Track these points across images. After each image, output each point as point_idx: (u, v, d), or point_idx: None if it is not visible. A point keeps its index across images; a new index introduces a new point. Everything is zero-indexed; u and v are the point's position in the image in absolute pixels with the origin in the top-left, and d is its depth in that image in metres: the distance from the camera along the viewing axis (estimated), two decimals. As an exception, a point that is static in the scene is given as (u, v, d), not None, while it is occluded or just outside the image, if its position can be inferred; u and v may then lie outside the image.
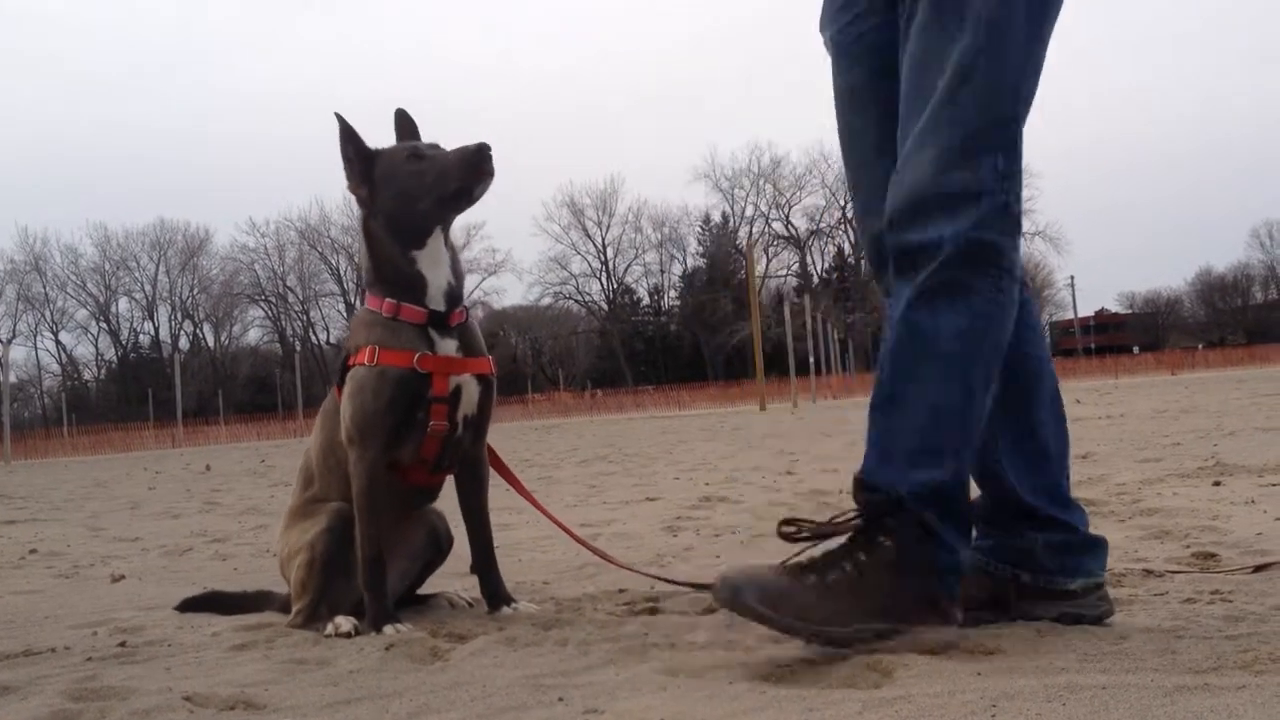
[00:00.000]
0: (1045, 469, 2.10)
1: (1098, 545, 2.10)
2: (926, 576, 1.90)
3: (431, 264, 2.52)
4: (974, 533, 2.12)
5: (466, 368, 2.53)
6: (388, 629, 2.37)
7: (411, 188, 2.47)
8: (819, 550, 1.94)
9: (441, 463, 2.60)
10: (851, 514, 1.94)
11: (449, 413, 2.51)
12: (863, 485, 1.95)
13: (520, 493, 2.76)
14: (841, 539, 1.93)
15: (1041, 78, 1.98)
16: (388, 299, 2.51)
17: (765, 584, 1.87)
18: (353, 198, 2.58)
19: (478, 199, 2.50)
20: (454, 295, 2.55)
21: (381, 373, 2.46)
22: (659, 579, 2.75)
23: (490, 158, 2.45)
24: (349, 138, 2.52)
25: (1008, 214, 1.91)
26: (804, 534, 1.94)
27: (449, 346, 2.52)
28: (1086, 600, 2.03)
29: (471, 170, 2.45)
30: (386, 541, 2.53)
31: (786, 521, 1.97)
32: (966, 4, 1.91)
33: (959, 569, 1.94)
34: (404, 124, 2.65)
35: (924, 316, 1.93)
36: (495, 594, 2.63)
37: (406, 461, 2.55)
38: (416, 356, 2.46)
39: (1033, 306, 2.17)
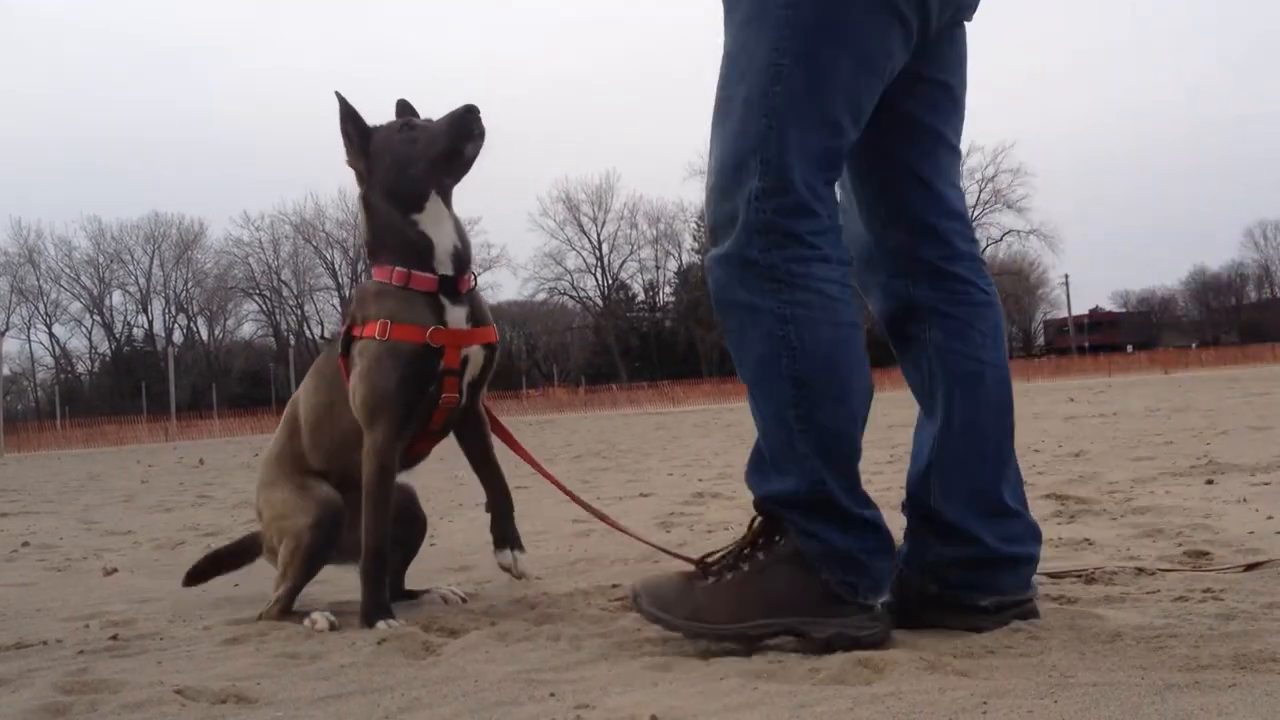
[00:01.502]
0: (971, 478, 2.08)
1: (1017, 564, 2.06)
2: (817, 569, 1.92)
3: (434, 225, 2.52)
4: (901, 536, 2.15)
5: (475, 339, 2.53)
6: (380, 624, 2.36)
7: (404, 154, 2.50)
8: (726, 555, 2.05)
9: (445, 429, 2.62)
10: (755, 521, 2.03)
11: (458, 383, 2.52)
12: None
13: (520, 454, 2.69)
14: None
15: (840, 100, 1.96)
16: (397, 267, 2.50)
17: (660, 589, 2.01)
18: (352, 175, 2.60)
19: (471, 160, 2.52)
20: (461, 258, 2.55)
21: (394, 349, 2.44)
22: (658, 548, 2.64)
23: (478, 118, 2.49)
24: (348, 115, 2.56)
25: (764, 229, 1.94)
26: (721, 556, 2.05)
27: (459, 315, 2.51)
28: (998, 617, 2.00)
29: (460, 130, 2.48)
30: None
31: (704, 558, 2.08)
32: (729, 32, 2.02)
33: (853, 561, 1.92)
34: (404, 112, 2.67)
35: (730, 341, 2.03)
36: (505, 535, 2.65)
37: (416, 431, 2.55)
38: (429, 331, 2.45)
39: (985, 310, 2.16)
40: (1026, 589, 2.07)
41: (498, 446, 2.72)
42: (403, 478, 2.68)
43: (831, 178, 2.01)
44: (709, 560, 2.06)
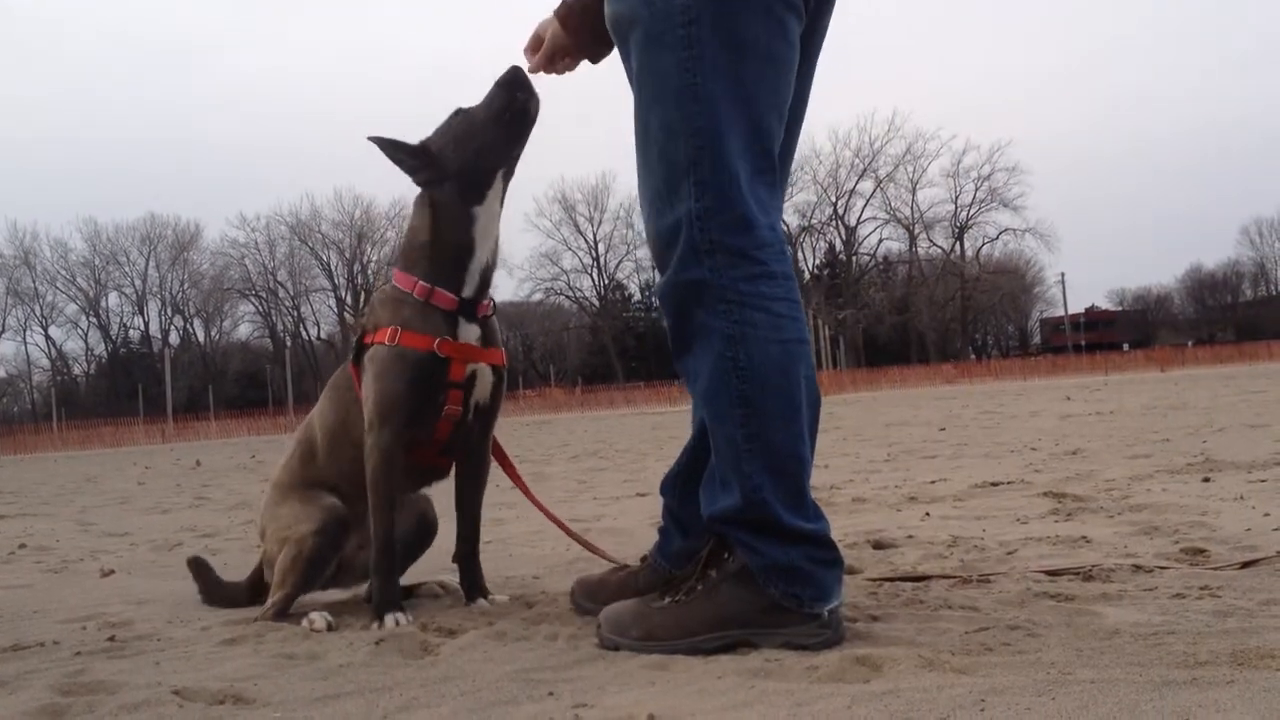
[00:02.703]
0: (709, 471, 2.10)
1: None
2: (762, 583, 1.96)
3: (483, 231, 2.53)
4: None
5: (482, 357, 2.56)
6: (389, 617, 2.39)
7: (464, 132, 2.50)
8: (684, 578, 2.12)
9: (450, 446, 2.62)
10: (707, 542, 2.09)
11: (463, 398, 2.54)
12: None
13: (517, 485, 2.74)
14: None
15: (785, 78, 1.99)
16: (421, 281, 2.52)
17: (618, 616, 2.07)
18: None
19: (534, 117, 2.50)
20: (486, 278, 2.57)
21: (401, 354, 2.47)
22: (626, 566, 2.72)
23: (524, 76, 2.44)
24: (394, 149, 2.52)
25: (709, 249, 1.95)
26: (683, 578, 2.11)
27: (471, 333, 2.54)
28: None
29: (509, 87, 2.46)
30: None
31: (666, 585, 2.15)
32: (633, 60, 2.02)
33: (793, 572, 1.94)
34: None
35: (681, 362, 2.06)
36: (474, 585, 2.66)
37: (418, 441, 2.56)
38: (437, 341, 2.48)
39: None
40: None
41: (494, 479, 2.76)
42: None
43: (770, 180, 2.02)
44: (671, 585, 2.12)
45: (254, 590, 2.81)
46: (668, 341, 2.09)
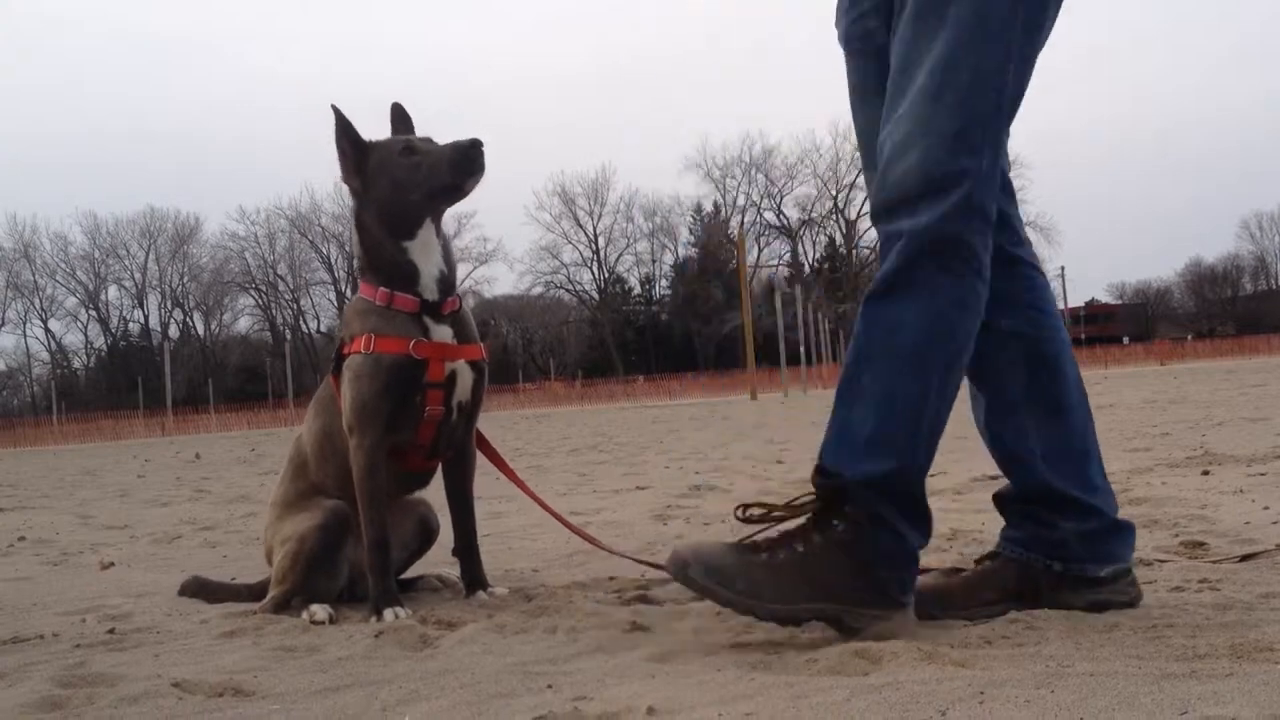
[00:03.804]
0: (1074, 454, 2.10)
1: (1124, 530, 2.11)
2: (874, 562, 1.90)
3: (423, 254, 2.54)
4: (1005, 523, 2.17)
5: (460, 354, 2.56)
6: (388, 613, 2.38)
7: (403, 180, 2.49)
8: (775, 532, 1.97)
9: (437, 448, 2.62)
10: (808, 497, 1.96)
11: (444, 398, 2.54)
12: (818, 469, 1.96)
13: (509, 477, 2.76)
14: (799, 521, 1.96)
15: (1032, 75, 1.97)
16: (381, 288, 2.53)
17: (713, 560, 1.90)
18: (345, 188, 2.59)
19: (468, 194, 2.53)
20: (446, 283, 2.58)
21: (377, 359, 2.48)
22: (647, 564, 2.74)
23: (482, 154, 2.47)
24: (344, 130, 2.53)
25: (978, 210, 1.90)
26: (761, 515, 1.98)
27: (444, 333, 2.54)
28: (1116, 586, 2.05)
29: (462, 166, 2.47)
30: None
31: (744, 505, 2.00)
32: (949, 1, 1.90)
33: (909, 557, 1.94)
34: (399, 118, 2.67)
35: (885, 308, 1.94)
36: (475, 579, 2.67)
37: (404, 447, 2.57)
38: (412, 343, 2.48)
39: (1047, 292, 2.17)
40: (1131, 556, 2.10)
41: (491, 471, 2.76)
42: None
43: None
44: (754, 539, 1.98)
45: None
46: (870, 279, 2.01)
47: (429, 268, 2.54)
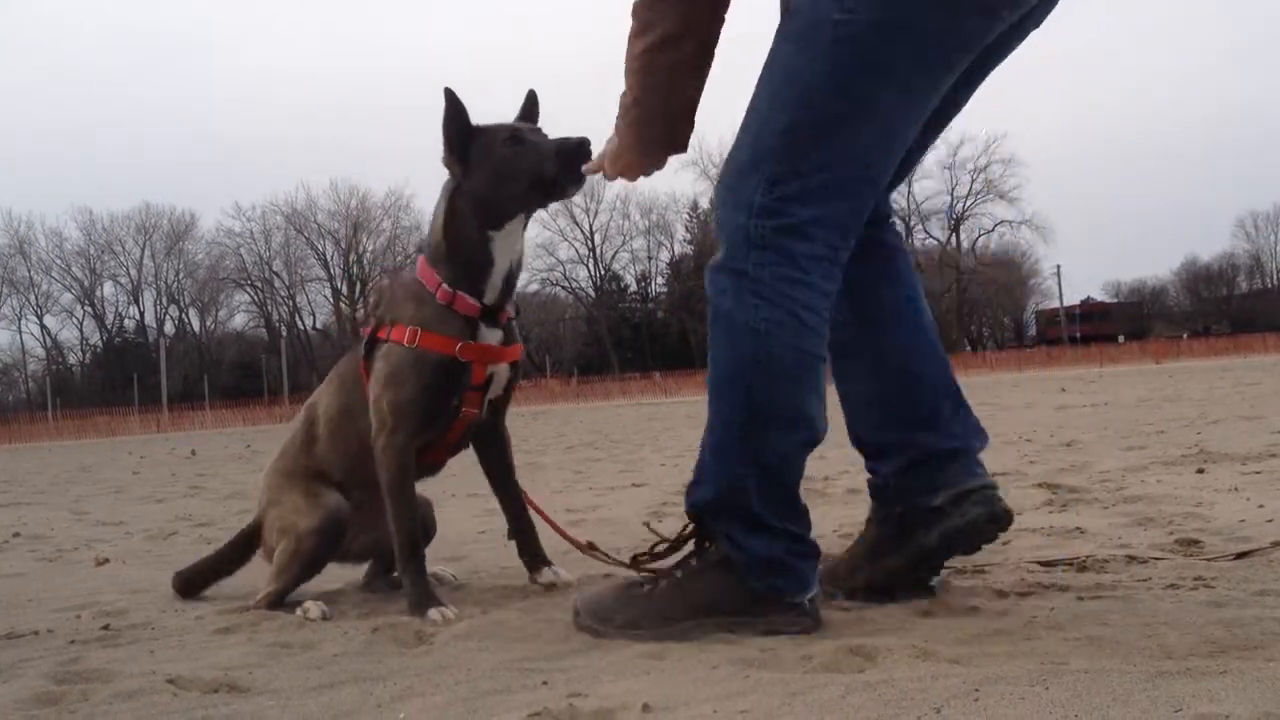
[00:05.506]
0: (888, 398, 2.21)
1: (956, 454, 2.17)
2: (744, 575, 1.99)
3: (503, 248, 2.46)
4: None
5: (503, 356, 2.52)
6: (433, 613, 2.31)
7: (505, 169, 2.40)
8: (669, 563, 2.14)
9: (459, 446, 2.61)
10: (689, 528, 2.12)
11: (481, 399, 2.52)
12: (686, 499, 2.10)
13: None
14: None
15: (883, 130, 1.96)
16: (444, 284, 2.45)
17: (599, 602, 2.10)
18: (443, 171, 2.50)
19: (570, 196, 2.48)
20: (510, 283, 2.51)
21: (421, 357, 2.42)
22: (622, 565, 2.69)
23: (590, 154, 2.36)
24: (454, 113, 2.42)
25: (761, 244, 1.95)
26: (650, 556, 2.20)
27: (493, 337, 2.49)
28: (960, 510, 2.11)
29: (569, 163, 2.37)
30: (381, 525, 2.53)
31: (635, 557, 2.24)
32: (776, 51, 2.00)
33: (777, 563, 1.98)
34: (530, 105, 2.59)
35: (710, 345, 2.05)
36: (536, 556, 2.67)
37: (432, 444, 2.54)
38: (459, 345, 2.42)
39: (902, 256, 2.28)
40: (974, 477, 2.14)
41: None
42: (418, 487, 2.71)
43: (857, 206, 1.99)
44: (646, 567, 2.18)
45: (243, 549, 2.81)
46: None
47: (503, 263, 2.47)
